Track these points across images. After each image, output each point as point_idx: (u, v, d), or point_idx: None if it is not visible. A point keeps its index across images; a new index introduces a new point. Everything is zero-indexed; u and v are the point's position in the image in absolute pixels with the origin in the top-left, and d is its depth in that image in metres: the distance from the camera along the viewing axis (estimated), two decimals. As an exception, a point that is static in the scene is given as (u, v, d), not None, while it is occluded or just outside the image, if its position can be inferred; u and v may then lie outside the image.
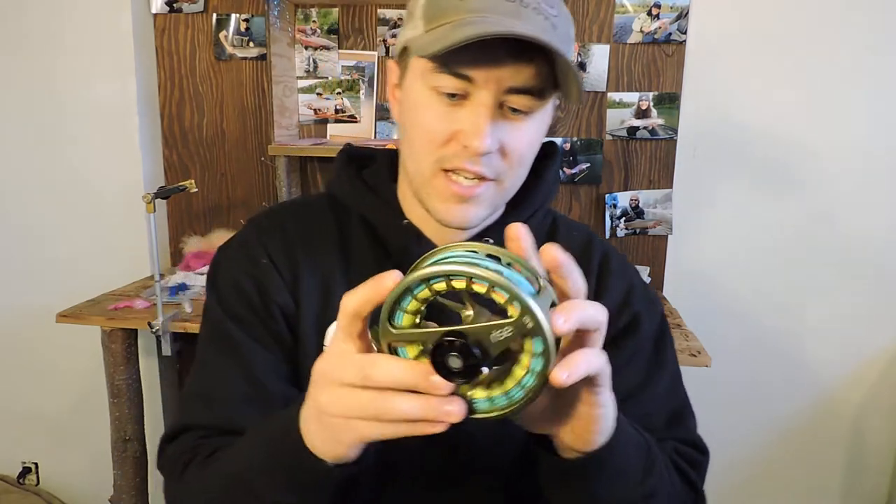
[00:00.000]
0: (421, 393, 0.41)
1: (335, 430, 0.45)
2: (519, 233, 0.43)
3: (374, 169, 0.78)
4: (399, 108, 0.69)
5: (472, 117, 0.60)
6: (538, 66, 0.59)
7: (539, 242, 0.44)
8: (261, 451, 0.53)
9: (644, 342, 0.74)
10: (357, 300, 0.43)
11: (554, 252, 0.42)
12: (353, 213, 0.75)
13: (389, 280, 0.41)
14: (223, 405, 0.67)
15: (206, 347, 0.72)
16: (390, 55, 1.92)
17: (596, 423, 0.48)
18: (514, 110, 0.61)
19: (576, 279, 0.43)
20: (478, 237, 0.71)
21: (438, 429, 0.41)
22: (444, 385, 0.40)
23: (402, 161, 0.71)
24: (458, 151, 0.61)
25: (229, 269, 0.73)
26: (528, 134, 0.64)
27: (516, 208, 0.74)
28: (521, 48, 0.57)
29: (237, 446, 0.57)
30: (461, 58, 0.57)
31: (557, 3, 0.61)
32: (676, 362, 0.78)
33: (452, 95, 0.61)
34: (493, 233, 0.72)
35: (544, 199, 0.76)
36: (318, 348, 0.70)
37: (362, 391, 0.42)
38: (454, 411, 0.40)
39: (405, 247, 0.71)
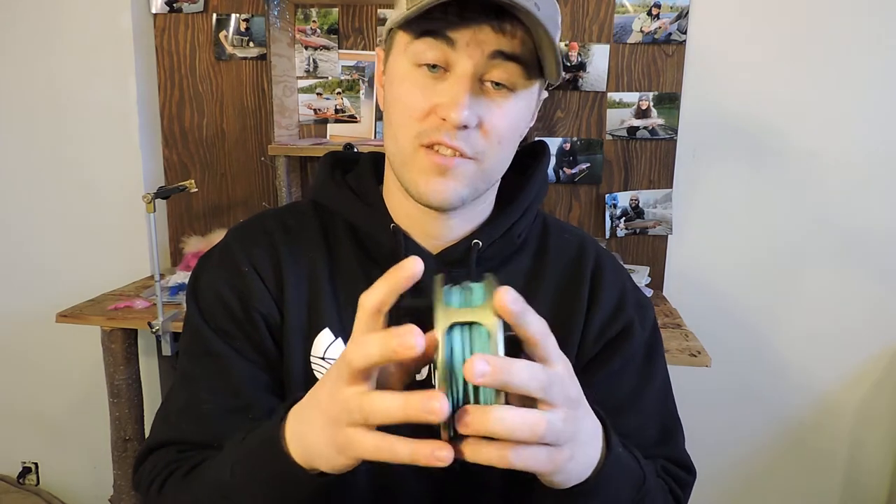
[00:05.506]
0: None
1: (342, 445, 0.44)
2: (505, 301, 0.41)
3: (357, 172, 0.76)
4: (383, 92, 0.68)
5: (452, 89, 0.60)
6: (521, 39, 0.59)
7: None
8: (242, 464, 0.52)
9: (636, 349, 0.73)
10: (378, 295, 0.42)
11: (504, 302, 0.40)
12: (339, 218, 0.74)
13: (407, 268, 0.41)
14: (205, 420, 0.66)
15: (187, 360, 0.71)
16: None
17: (556, 479, 0.47)
18: (497, 85, 0.61)
19: (532, 325, 0.42)
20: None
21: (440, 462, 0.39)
22: (443, 409, 0.38)
23: (385, 148, 0.68)
24: (436, 125, 0.61)
25: (210, 280, 0.71)
26: (510, 113, 0.62)
27: (505, 208, 0.73)
28: (503, 16, 0.57)
29: (218, 460, 0.56)
30: (440, 20, 0.58)
31: None
32: (666, 370, 0.77)
33: (433, 67, 0.60)
34: (483, 234, 0.71)
35: (534, 198, 0.74)
36: (305, 357, 0.69)
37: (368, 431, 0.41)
38: (444, 456, 0.39)
39: (392, 252, 0.69)
